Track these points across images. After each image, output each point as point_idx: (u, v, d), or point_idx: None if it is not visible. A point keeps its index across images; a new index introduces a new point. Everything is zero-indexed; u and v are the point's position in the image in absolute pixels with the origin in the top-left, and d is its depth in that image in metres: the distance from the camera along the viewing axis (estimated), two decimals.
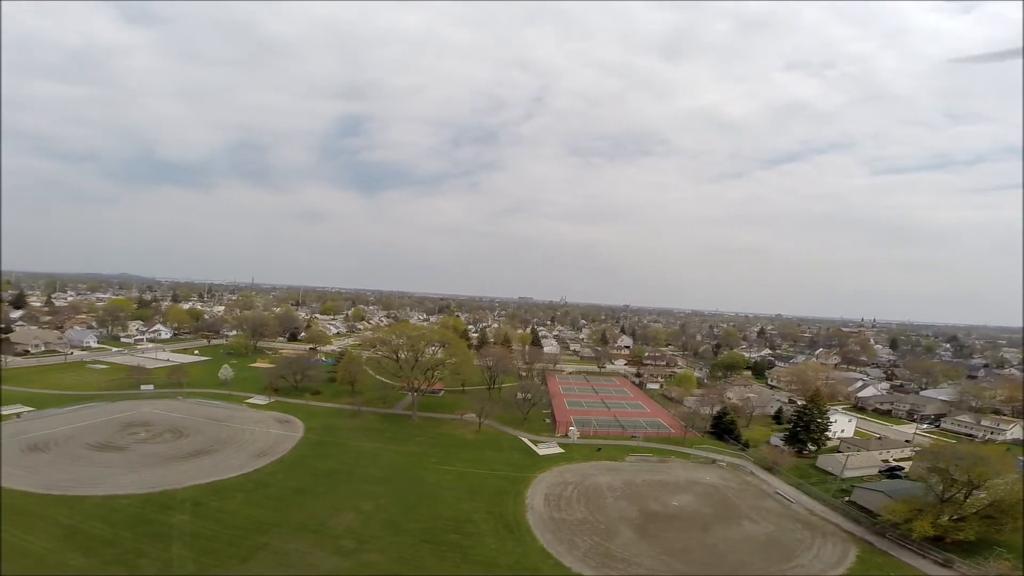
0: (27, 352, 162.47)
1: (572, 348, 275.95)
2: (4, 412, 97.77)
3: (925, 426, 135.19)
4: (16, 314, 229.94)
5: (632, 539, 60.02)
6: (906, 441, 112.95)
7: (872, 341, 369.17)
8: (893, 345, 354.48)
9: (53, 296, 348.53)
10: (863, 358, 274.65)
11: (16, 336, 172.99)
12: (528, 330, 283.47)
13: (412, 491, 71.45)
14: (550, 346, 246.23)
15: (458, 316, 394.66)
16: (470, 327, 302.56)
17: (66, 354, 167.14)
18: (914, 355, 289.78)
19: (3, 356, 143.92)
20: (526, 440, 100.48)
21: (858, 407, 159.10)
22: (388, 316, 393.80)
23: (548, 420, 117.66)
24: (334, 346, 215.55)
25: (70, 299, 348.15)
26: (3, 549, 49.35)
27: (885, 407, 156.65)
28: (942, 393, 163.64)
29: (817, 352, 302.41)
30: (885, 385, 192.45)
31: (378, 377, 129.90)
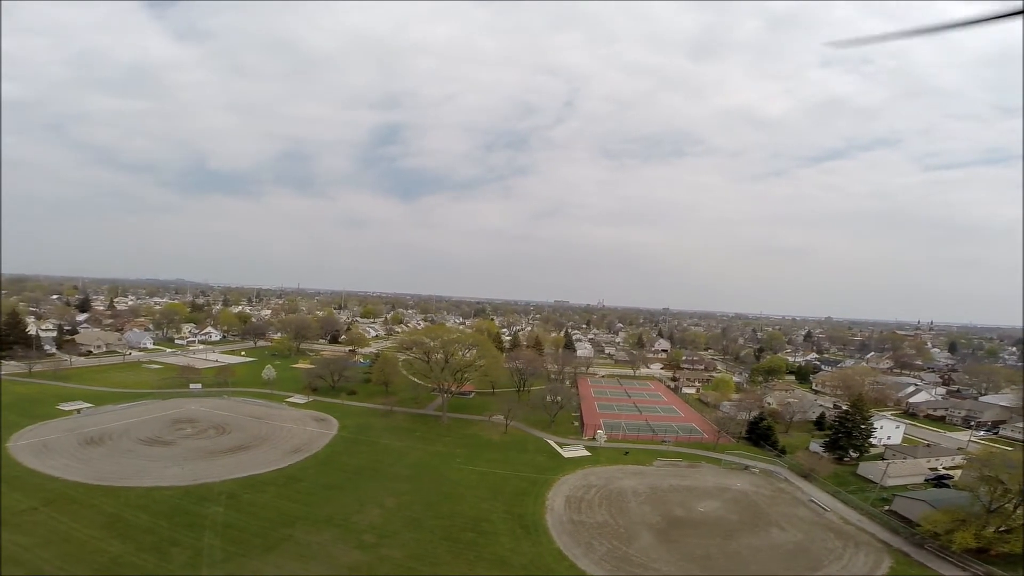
0: (90, 352, 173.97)
1: (607, 352, 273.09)
2: (66, 408, 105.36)
3: (982, 433, 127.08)
4: (81, 317, 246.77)
5: (652, 544, 59.21)
6: (959, 448, 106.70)
7: (929, 344, 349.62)
8: (952, 348, 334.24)
9: (115, 300, 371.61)
10: (918, 362, 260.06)
11: (81, 337, 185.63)
12: (562, 333, 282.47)
13: (435, 489, 72.80)
14: (584, 349, 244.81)
15: (492, 319, 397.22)
16: (503, 330, 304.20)
17: (124, 354, 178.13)
18: (975, 359, 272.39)
19: (68, 356, 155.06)
20: (552, 442, 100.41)
21: (909, 413, 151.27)
22: (425, 319, 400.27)
23: (576, 423, 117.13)
24: (372, 348, 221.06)
25: (130, 303, 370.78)
26: (51, 535, 53.47)
27: (939, 413, 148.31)
28: (1003, 399, 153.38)
29: (868, 356, 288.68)
30: (941, 390, 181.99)
31: (412, 378, 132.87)
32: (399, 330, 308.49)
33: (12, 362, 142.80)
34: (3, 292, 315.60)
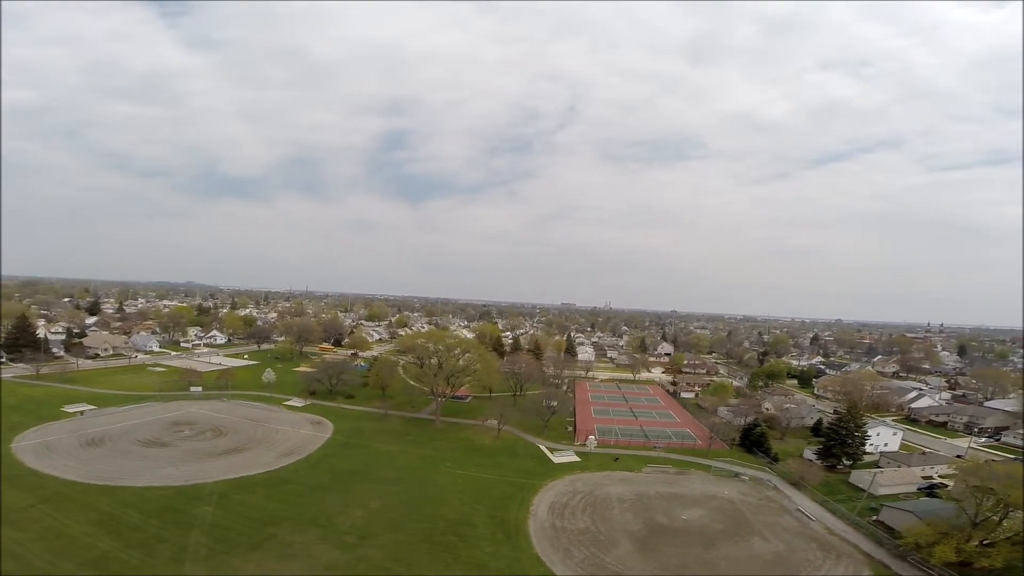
0: (97, 355, 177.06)
1: (610, 355, 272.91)
2: (70, 410, 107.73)
3: (983, 440, 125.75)
4: (90, 320, 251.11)
5: (630, 552, 59.61)
6: (957, 456, 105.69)
7: (938, 347, 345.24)
8: (961, 351, 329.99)
9: (125, 303, 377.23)
10: (925, 365, 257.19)
11: (88, 340, 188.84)
12: (564, 337, 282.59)
13: (421, 492, 73.84)
14: (585, 353, 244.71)
15: (495, 323, 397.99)
16: (505, 334, 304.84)
17: (130, 357, 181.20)
18: (984, 362, 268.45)
19: (76, 359, 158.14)
20: (543, 447, 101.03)
21: (911, 419, 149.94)
22: (430, 322, 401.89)
23: (569, 428, 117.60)
24: (374, 352, 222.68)
25: (140, 306, 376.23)
26: (45, 531, 55.31)
27: (941, 419, 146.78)
28: (1007, 404, 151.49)
29: (875, 360, 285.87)
30: (946, 395, 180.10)
31: (410, 382, 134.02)
32: (403, 333, 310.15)
33: (20, 364, 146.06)
34: (16, 296, 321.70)
